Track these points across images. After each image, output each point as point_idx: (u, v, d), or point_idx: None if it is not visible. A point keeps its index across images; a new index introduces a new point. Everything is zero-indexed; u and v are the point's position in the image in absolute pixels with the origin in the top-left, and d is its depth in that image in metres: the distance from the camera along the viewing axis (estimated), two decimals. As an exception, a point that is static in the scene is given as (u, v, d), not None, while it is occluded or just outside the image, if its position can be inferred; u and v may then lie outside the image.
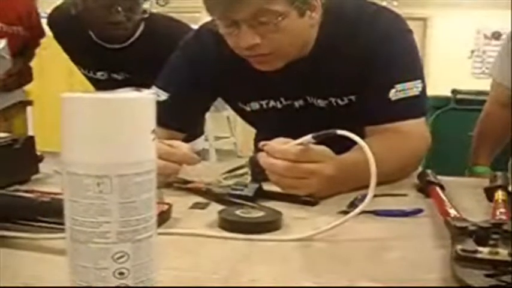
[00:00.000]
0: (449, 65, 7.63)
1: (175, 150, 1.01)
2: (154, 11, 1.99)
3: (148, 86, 1.28)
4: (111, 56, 1.94)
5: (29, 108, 2.69)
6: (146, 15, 1.88)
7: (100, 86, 2.08)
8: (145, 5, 1.86)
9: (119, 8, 1.74)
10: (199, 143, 2.23)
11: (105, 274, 0.44)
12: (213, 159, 5.32)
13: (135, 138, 0.45)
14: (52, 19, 2.08)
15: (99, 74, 2.04)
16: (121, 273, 0.45)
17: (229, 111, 5.43)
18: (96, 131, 0.43)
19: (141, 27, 1.92)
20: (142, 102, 0.46)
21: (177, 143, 1.06)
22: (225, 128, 6.41)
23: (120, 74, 1.99)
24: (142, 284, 0.46)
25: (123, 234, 0.45)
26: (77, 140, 0.44)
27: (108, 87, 1.98)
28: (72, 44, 2.05)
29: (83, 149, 0.44)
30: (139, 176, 0.45)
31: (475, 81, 7.00)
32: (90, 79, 2.13)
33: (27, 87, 2.60)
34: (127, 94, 0.47)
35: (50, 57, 2.99)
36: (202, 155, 1.19)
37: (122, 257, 0.45)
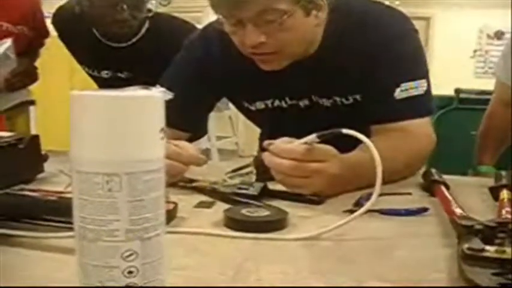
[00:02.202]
0: (452, 65, 7.62)
1: (182, 151, 1.01)
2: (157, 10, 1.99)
3: (152, 85, 1.28)
4: (115, 55, 1.94)
5: (31, 108, 2.69)
6: (151, 14, 1.88)
7: (104, 84, 2.08)
8: (150, 5, 1.86)
9: (124, 6, 1.75)
10: (203, 143, 2.24)
11: (114, 273, 0.44)
12: (215, 159, 5.32)
13: (145, 137, 0.45)
14: (57, 19, 2.08)
15: (103, 73, 2.04)
16: (130, 272, 0.45)
17: (231, 111, 5.46)
18: (106, 129, 0.43)
19: (146, 26, 1.92)
20: (152, 100, 0.46)
21: (183, 143, 1.06)
22: (227, 127, 6.41)
23: (124, 73, 1.99)
24: (151, 283, 0.46)
25: (132, 232, 0.44)
26: (86, 138, 0.44)
27: (112, 86, 1.97)
28: (76, 43, 2.06)
29: (92, 147, 0.44)
30: (149, 174, 0.45)
31: (477, 81, 7.00)
32: (94, 78, 2.13)
33: (30, 87, 2.60)
34: (136, 92, 0.47)
35: (52, 57, 2.99)
36: (205, 154, 1.19)
37: (130, 255, 0.45)
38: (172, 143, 1.01)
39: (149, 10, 1.87)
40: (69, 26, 2.01)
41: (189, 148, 1.04)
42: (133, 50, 1.93)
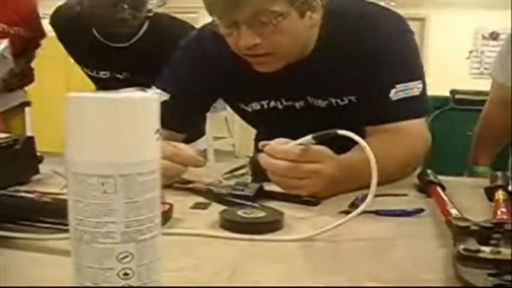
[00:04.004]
0: (447, 65, 7.64)
1: (181, 152, 1.01)
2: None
3: (150, 86, 1.28)
4: (114, 55, 1.94)
5: (26, 109, 2.68)
6: (151, 14, 1.88)
7: (102, 85, 2.08)
8: (150, 5, 1.86)
9: (125, 6, 1.75)
10: (201, 144, 2.23)
11: (110, 274, 0.44)
12: (211, 159, 5.31)
13: (140, 138, 0.45)
14: (55, 19, 2.07)
15: (101, 73, 2.04)
16: (125, 274, 0.45)
17: (227, 112, 5.46)
18: (101, 131, 0.43)
19: (145, 27, 1.92)
20: (147, 102, 0.45)
21: (181, 145, 1.06)
22: (223, 128, 6.41)
23: (122, 74, 1.99)
24: (147, 284, 0.46)
25: (128, 234, 0.44)
26: (81, 140, 0.44)
27: (110, 87, 1.98)
28: (75, 44, 2.05)
29: (87, 148, 0.44)
30: (144, 176, 0.45)
31: (473, 82, 7.01)
32: (92, 78, 2.13)
33: (26, 88, 2.60)
34: (132, 94, 0.47)
35: (47, 58, 2.99)
36: (203, 155, 1.19)
37: (126, 257, 0.45)
38: (171, 144, 1.01)
39: (149, 10, 1.87)
40: (68, 26, 2.00)
41: (188, 149, 1.04)
42: (133, 51, 1.93)
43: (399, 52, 1.18)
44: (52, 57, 3.37)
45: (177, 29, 1.88)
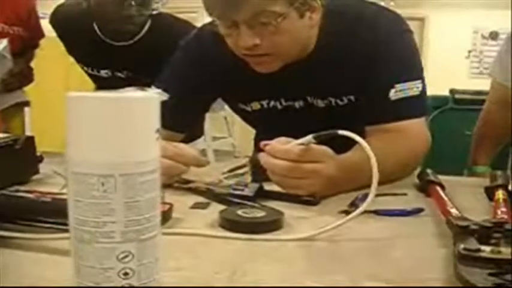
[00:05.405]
0: (447, 65, 7.64)
1: (183, 152, 1.01)
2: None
3: (150, 85, 1.28)
4: (116, 54, 1.94)
5: (26, 109, 2.68)
6: (155, 12, 1.88)
7: (102, 84, 2.08)
8: (155, 3, 1.86)
9: (133, 2, 1.75)
10: (200, 144, 2.23)
11: (110, 274, 0.44)
12: (211, 159, 5.31)
13: (140, 138, 0.45)
14: (56, 18, 2.07)
15: (102, 72, 2.03)
16: (126, 273, 0.45)
17: (226, 112, 5.46)
18: (101, 131, 0.43)
19: (147, 25, 1.92)
20: (147, 101, 0.45)
21: (182, 145, 1.06)
22: (223, 128, 6.41)
23: (123, 72, 1.99)
24: (147, 284, 0.46)
25: (128, 233, 0.44)
26: (82, 140, 0.44)
27: (111, 86, 1.97)
28: (76, 42, 2.04)
29: (88, 148, 0.44)
30: (144, 176, 0.45)
31: (472, 81, 7.01)
32: (92, 77, 2.12)
33: (25, 88, 2.60)
34: (132, 93, 0.47)
35: (46, 58, 2.99)
36: (202, 155, 1.18)
37: (126, 256, 0.45)
38: (171, 145, 1.01)
39: (154, 9, 1.87)
40: (68, 24, 2.00)
41: (189, 149, 1.04)
42: (134, 49, 1.92)
43: (399, 52, 1.18)
44: (51, 58, 3.37)
45: (179, 28, 1.88)
